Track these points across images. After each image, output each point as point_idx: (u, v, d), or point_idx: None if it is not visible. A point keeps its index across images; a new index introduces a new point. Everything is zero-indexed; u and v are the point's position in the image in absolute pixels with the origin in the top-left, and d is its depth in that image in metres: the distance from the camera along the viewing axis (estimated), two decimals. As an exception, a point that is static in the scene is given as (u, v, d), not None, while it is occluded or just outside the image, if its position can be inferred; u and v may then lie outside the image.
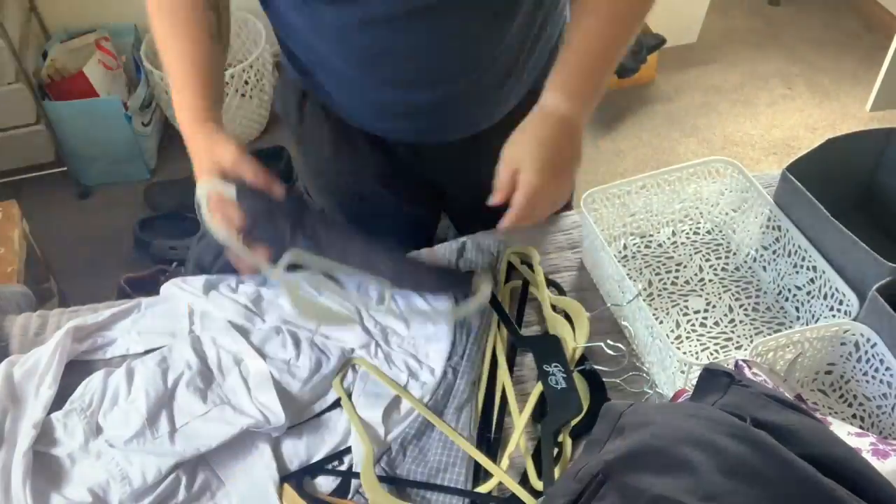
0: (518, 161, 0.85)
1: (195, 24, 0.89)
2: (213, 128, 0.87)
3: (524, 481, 0.82)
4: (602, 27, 0.87)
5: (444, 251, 1.05)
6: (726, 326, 0.99)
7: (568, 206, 1.14)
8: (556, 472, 0.82)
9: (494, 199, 0.87)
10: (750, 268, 1.05)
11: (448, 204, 1.23)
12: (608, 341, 0.92)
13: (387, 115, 1.01)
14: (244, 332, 0.93)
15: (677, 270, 1.06)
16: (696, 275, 1.05)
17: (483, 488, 0.82)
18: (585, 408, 0.87)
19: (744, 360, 0.77)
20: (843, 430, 0.72)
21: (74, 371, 0.92)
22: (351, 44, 0.90)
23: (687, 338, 0.98)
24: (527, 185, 0.84)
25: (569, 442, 0.84)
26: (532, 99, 0.89)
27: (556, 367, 0.89)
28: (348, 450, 0.86)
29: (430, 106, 0.98)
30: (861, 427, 0.86)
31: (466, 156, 1.06)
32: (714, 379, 0.66)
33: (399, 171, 1.11)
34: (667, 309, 1.01)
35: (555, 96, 0.87)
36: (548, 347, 0.92)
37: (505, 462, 0.84)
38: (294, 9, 0.89)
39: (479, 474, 0.83)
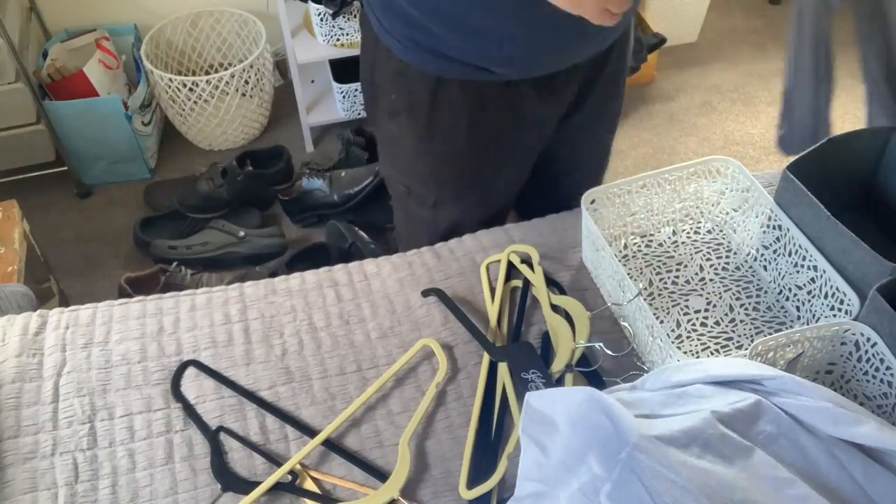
0: None
1: None
2: None
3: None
4: None
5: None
6: (727, 326, 0.99)
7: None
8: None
9: None
10: (750, 267, 1.05)
11: (532, 181, 1.23)
12: (608, 341, 0.91)
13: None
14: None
15: (678, 270, 1.06)
16: (696, 274, 1.05)
17: (482, 488, 0.82)
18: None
19: None
20: None
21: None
22: None
23: (687, 337, 0.98)
24: None
25: (569, 442, 0.84)
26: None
27: (534, 373, 0.88)
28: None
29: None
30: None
31: (585, 93, 1.11)
32: None
33: (526, 137, 1.11)
34: (667, 308, 1.01)
35: None
36: (522, 355, 0.91)
37: (504, 462, 0.84)
38: None
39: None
